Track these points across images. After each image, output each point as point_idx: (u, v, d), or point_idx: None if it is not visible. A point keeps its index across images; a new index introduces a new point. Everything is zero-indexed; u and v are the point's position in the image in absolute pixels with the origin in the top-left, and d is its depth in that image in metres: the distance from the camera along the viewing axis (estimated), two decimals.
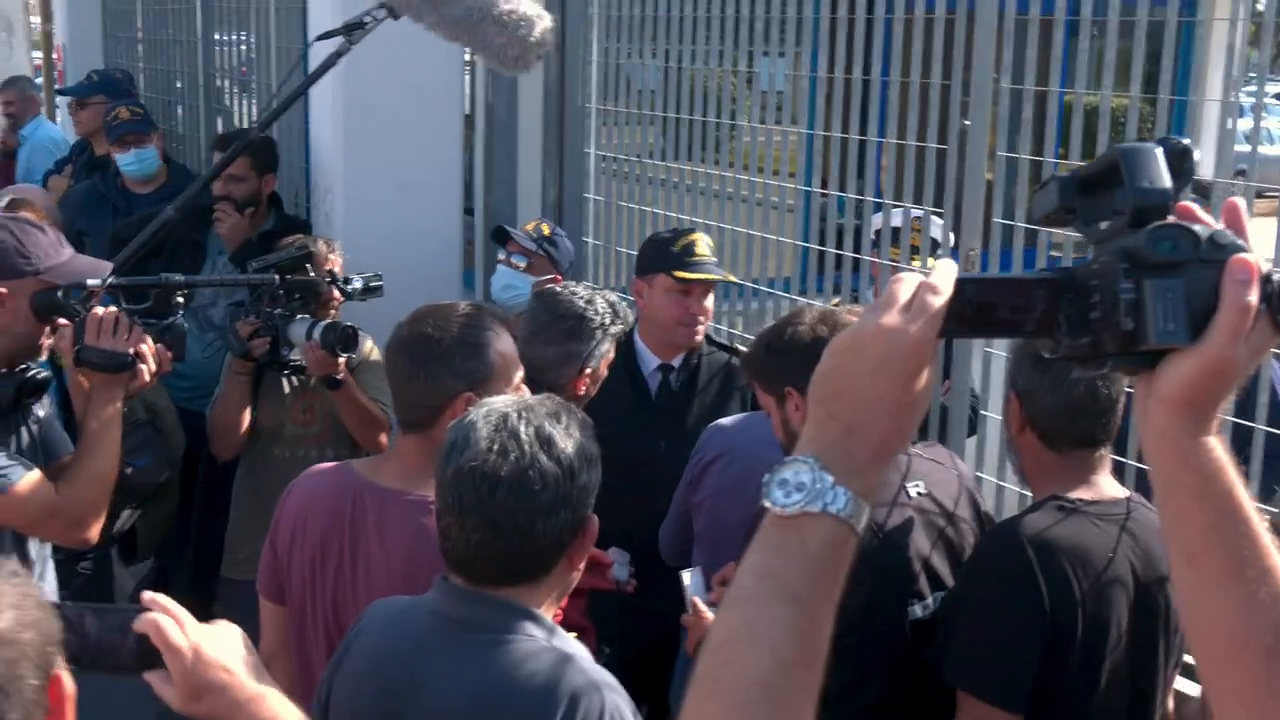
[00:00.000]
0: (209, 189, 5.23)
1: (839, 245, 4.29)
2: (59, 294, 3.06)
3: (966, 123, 3.69)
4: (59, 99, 9.15)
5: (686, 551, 3.63)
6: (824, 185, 4.41)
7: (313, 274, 4.17)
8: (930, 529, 2.82)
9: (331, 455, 4.33)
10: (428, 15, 3.42)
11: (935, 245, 4.19)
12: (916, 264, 4.24)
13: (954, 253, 3.94)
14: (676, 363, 4.02)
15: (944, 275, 1.21)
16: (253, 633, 4.18)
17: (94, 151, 6.82)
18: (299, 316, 4.09)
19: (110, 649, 1.69)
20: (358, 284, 4.20)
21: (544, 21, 3.43)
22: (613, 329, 3.57)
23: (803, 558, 1.17)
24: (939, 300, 1.19)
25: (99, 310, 3.07)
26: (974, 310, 1.21)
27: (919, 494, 2.85)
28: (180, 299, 3.29)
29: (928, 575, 2.77)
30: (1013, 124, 3.57)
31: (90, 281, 3.10)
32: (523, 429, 2.04)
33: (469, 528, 2.02)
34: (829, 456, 1.20)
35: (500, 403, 2.11)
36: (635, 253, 4.91)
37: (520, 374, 2.72)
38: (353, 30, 3.49)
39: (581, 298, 3.59)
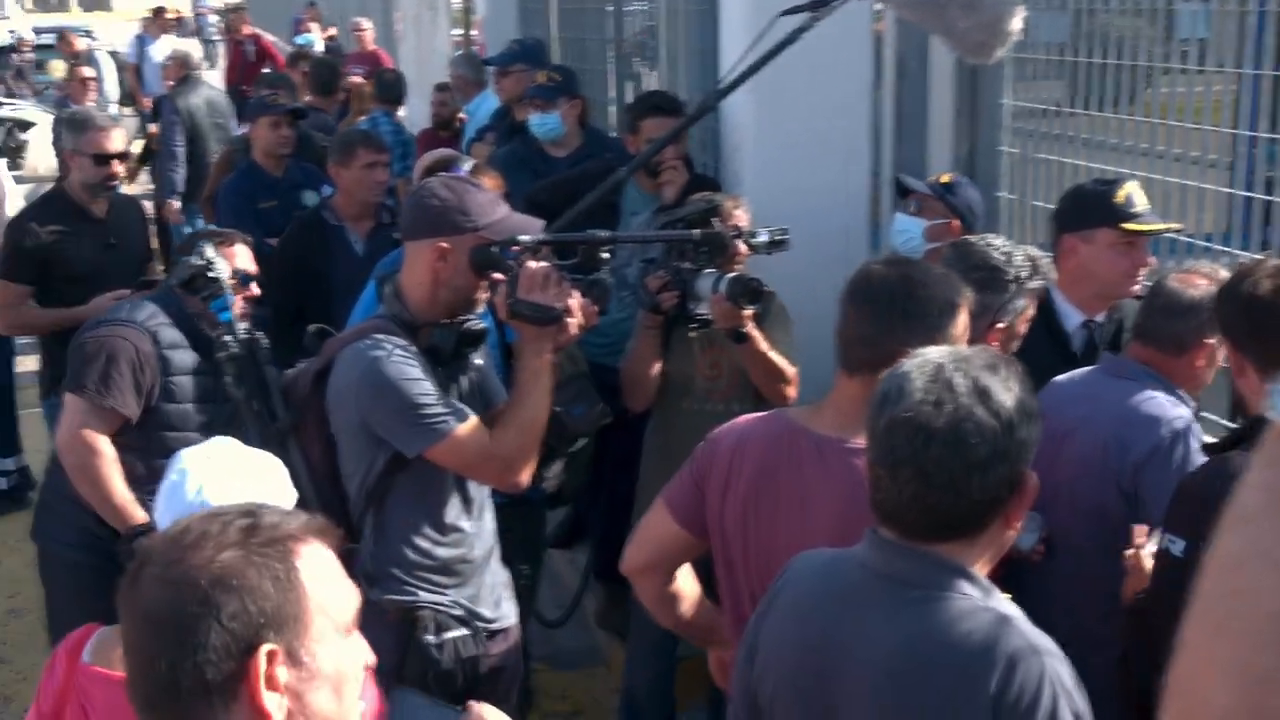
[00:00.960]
0: (616, 156, 5.37)
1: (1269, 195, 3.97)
2: (494, 249, 3.19)
3: None
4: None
5: None
6: (1268, 130, 4.05)
7: (719, 228, 4.18)
8: None
9: (738, 410, 4.28)
10: None
11: None
12: None
13: None
14: (1100, 318, 3.80)
15: None
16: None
17: (514, 117, 7.09)
18: (705, 270, 4.11)
19: None
20: (763, 237, 4.18)
21: (1014, 7, 3.24)
22: (1031, 284, 3.42)
23: None
24: None
25: (532, 264, 3.16)
26: None
27: None
28: (605, 255, 3.34)
29: None
30: None
31: (523, 238, 3.21)
32: (959, 379, 1.94)
33: (901, 480, 1.94)
34: None
35: (935, 353, 2.02)
36: (1051, 207, 4.72)
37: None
38: (819, 6, 3.43)
39: (999, 249, 3.46)
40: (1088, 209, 3.72)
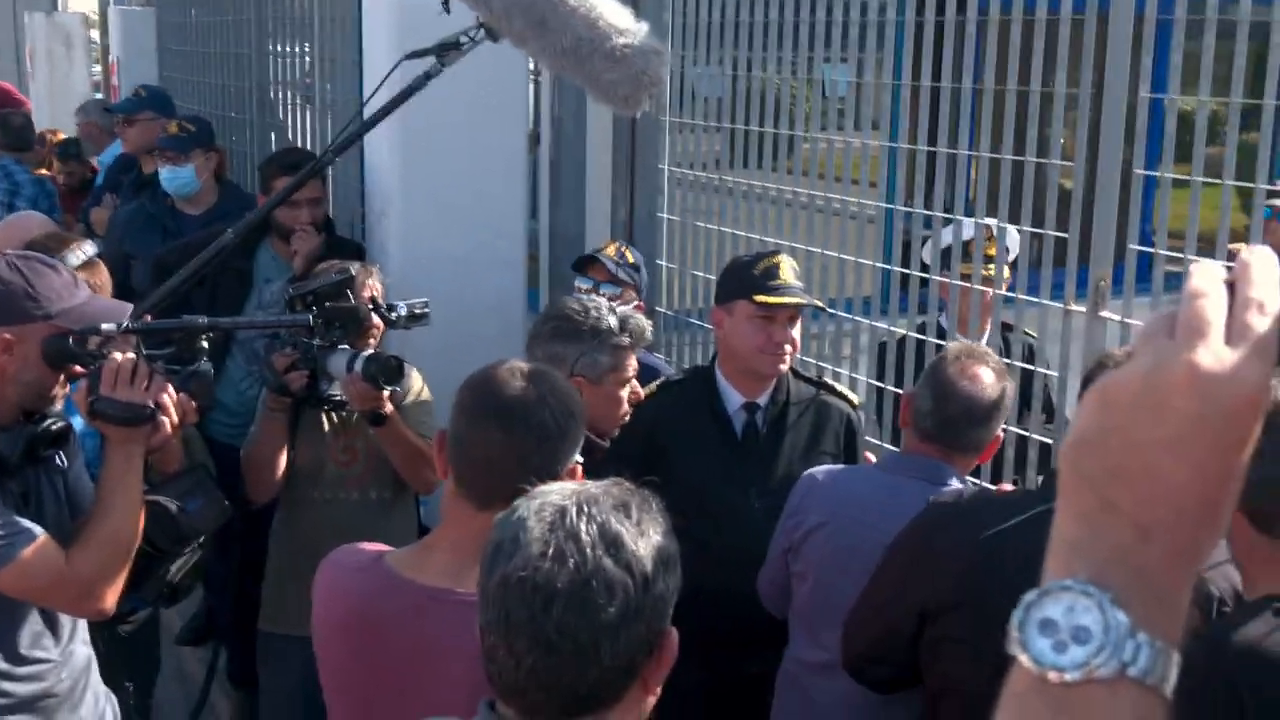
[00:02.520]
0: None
1: (919, 265, 4.00)
2: (71, 340, 2.78)
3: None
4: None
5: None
6: (908, 200, 4.03)
7: (354, 301, 3.82)
8: None
9: (375, 497, 4.05)
10: (531, 42, 3.05)
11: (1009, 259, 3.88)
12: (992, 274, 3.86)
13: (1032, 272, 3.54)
14: (762, 400, 3.62)
15: (1264, 276, 0.78)
16: (293, 693, 3.87)
17: (142, 169, 6.52)
18: (339, 347, 3.74)
19: None
20: (402, 311, 3.84)
21: (660, 57, 3.05)
22: (613, 339, 3.19)
23: None
24: (1269, 319, 0.77)
25: (116, 357, 2.77)
26: None
27: None
28: (205, 343, 2.96)
29: None
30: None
31: (105, 327, 2.80)
32: (584, 527, 1.61)
33: (518, 651, 1.60)
34: (1116, 579, 0.79)
35: (557, 493, 1.68)
36: (712, 276, 4.58)
37: None
38: (446, 50, 3.12)
39: (579, 301, 3.29)
40: (728, 281, 3.58)
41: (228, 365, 4.96)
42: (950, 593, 2.59)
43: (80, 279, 2.95)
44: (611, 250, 4.26)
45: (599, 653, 1.58)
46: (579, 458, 2.20)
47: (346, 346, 3.74)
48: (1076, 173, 3.35)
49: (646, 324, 3.32)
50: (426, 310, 3.87)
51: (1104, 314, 3.25)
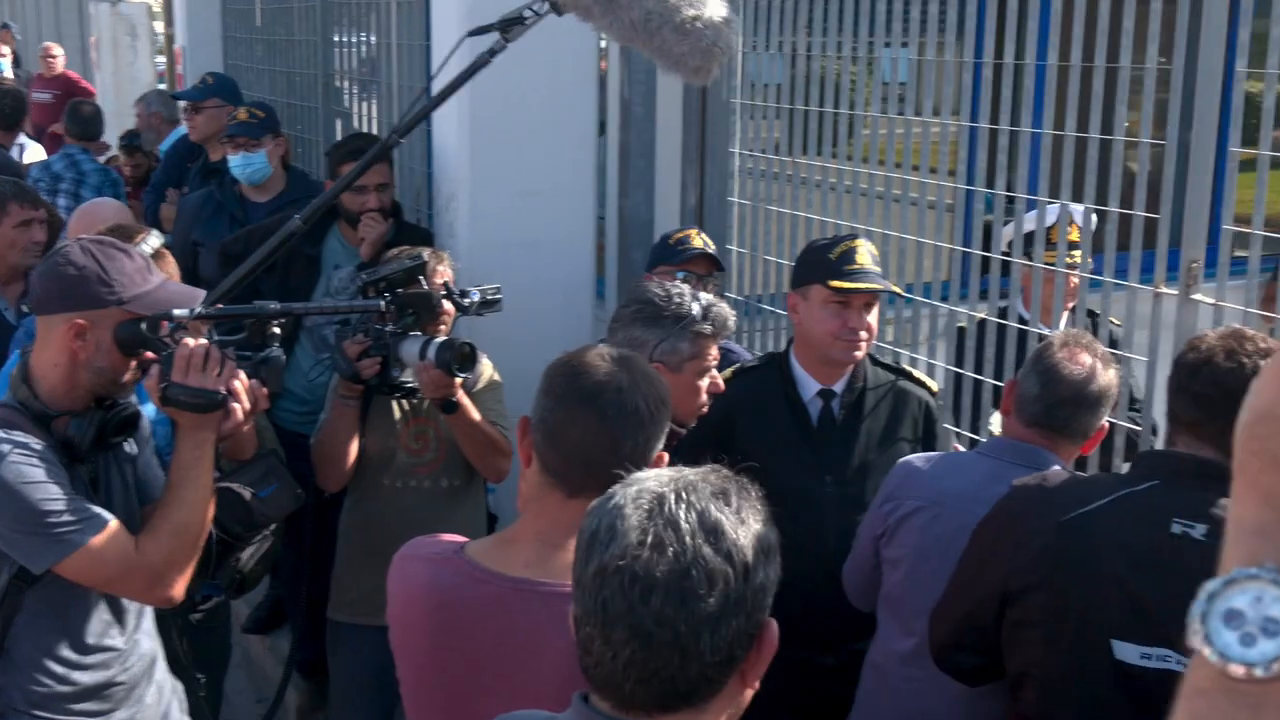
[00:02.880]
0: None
1: (988, 247, 3.90)
2: (144, 325, 2.77)
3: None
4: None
5: (875, 598, 3.23)
6: (989, 183, 3.95)
7: (426, 287, 3.78)
8: (1175, 574, 2.35)
9: (446, 485, 4.02)
10: (600, 16, 3.00)
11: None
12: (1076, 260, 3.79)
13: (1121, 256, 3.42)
14: (838, 387, 3.54)
15: None
16: (364, 681, 3.84)
17: (209, 158, 6.52)
18: (411, 334, 3.71)
19: None
20: (475, 297, 3.80)
21: (730, 28, 2.99)
22: (696, 326, 3.14)
23: None
24: None
25: (188, 343, 2.74)
26: None
27: (1185, 533, 2.38)
28: (277, 329, 2.93)
29: (1153, 622, 2.38)
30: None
31: (176, 312, 2.78)
32: (683, 515, 1.55)
33: (615, 642, 1.54)
34: None
35: (654, 479, 1.62)
36: (784, 261, 4.51)
37: None
38: (510, 26, 3.06)
39: (661, 286, 3.22)
40: (804, 265, 3.51)
41: (296, 353, 4.94)
42: (1029, 575, 2.53)
43: (149, 264, 2.92)
44: (698, 241, 4.20)
45: (698, 644, 1.52)
46: (663, 449, 2.14)
47: (418, 333, 3.72)
48: (1168, 153, 3.23)
49: (730, 313, 3.26)
50: (499, 296, 3.83)
51: (1196, 297, 3.14)
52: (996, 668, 2.68)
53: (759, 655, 1.59)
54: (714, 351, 3.20)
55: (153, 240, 3.92)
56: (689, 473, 1.63)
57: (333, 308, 3.64)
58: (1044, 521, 2.53)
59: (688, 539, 1.53)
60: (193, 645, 3.73)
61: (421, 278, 3.78)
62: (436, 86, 3.18)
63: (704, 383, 3.17)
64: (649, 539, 1.53)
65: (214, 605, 3.82)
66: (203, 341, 2.75)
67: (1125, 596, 2.41)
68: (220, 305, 2.94)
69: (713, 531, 1.54)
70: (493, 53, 3.11)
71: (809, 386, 3.54)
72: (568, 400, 2.11)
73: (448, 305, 3.84)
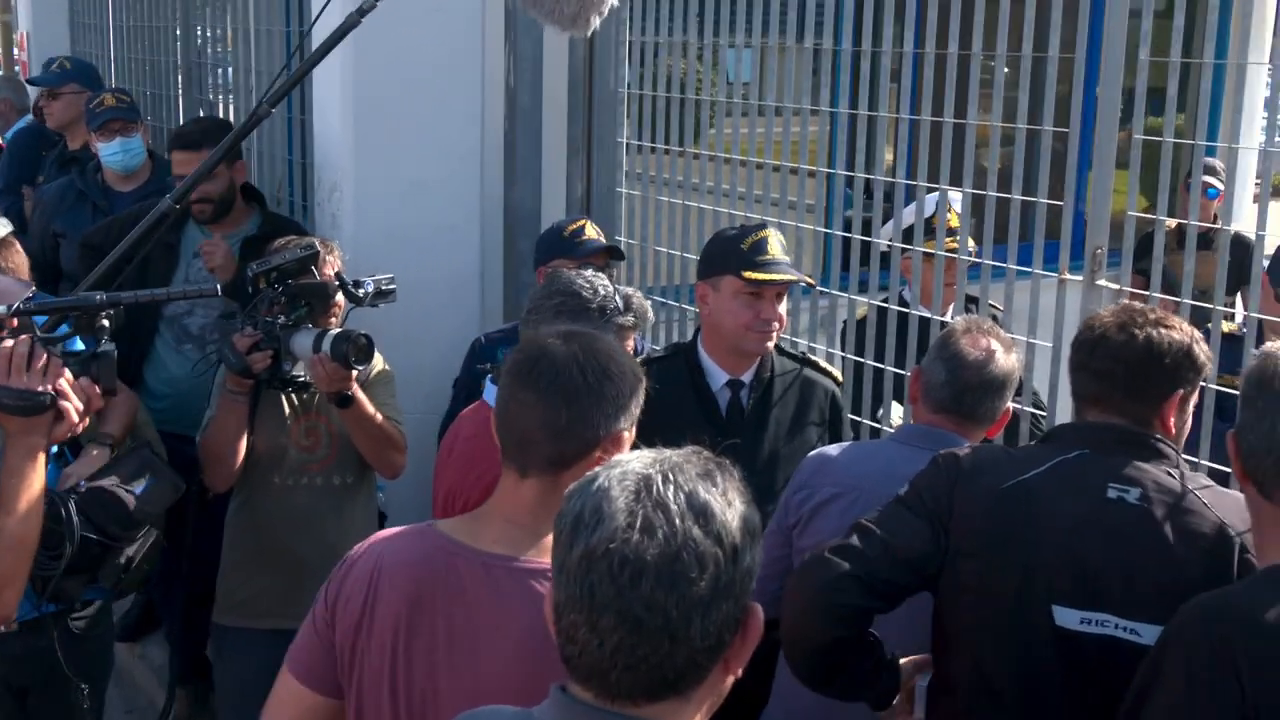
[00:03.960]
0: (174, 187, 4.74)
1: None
2: None
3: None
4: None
5: (777, 598, 3.14)
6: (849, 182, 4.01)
7: (318, 277, 3.66)
8: (1116, 538, 2.41)
9: (338, 483, 3.91)
10: None
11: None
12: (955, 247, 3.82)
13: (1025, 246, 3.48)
14: (747, 377, 3.52)
15: None
16: (252, 687, 3.70)
17: (68, 145, 6.24)
18: (304, 326, 3.58)
19: None
20: (369, 288, 3.69)
21: None
22: (619, 319, 3.12)
23: None
24: None
25: (7, 343, 2.59)
26: None
27: (1120, 498, 2.43)
28: (105, 321, 2.76)
29: (1094, 587, 2.42)
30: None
31: None
32: (671, 496, 1.50)
33: (603, 629, 1.48)
34: None
35: (638, 460, 1.57)
36: (675, 252, 4.48)
37: None
38: None
39: (582, 278, 3.17)
40: (713, 256, 3.47)
41: (156, 345, 4.73)
42: (967, 539, 2.54)
43: None
44: (592, 231, 4.13)
45: (688, 630, 1.48)
46: (624, 427, 2.08)
47: (310, 325, 3.60)
48: (1071, 141, 3.28)
49: (648, 304, 3.23)
50: (393, 286, 3.73)
51: (1101, 282, 3.20)
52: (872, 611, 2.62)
53: (744, 641, 1.55)
54: (632, 343, 3.16)
55: None
56: (672, 454, 1.58)
57: (164, 293, 3.49)
58: (981, 489, 2.54)
59: (677, 521, 1.48)
60: (74, 654, 3.55)
61: (314, 268, 3.66)
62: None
63: None
64: (638, 521, 1.48)
65: (95, 610, 3.63)
66: (24, 340, 2.60)
67: (1067, 562, 2.44)
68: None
69: (702, 513, 1.50)
70: (362, 12, 3.02)
71: (717, 377, 3.51)
72: (509, 377, 2.08)
73: (340, 297, 3.73)
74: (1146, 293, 3.11)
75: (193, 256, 4.66)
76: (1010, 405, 3.03)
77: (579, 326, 2.99)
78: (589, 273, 3.22)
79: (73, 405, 2.62)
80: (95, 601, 3.60)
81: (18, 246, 3.73)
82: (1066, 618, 2.44)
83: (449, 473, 3.19)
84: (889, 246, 3.92)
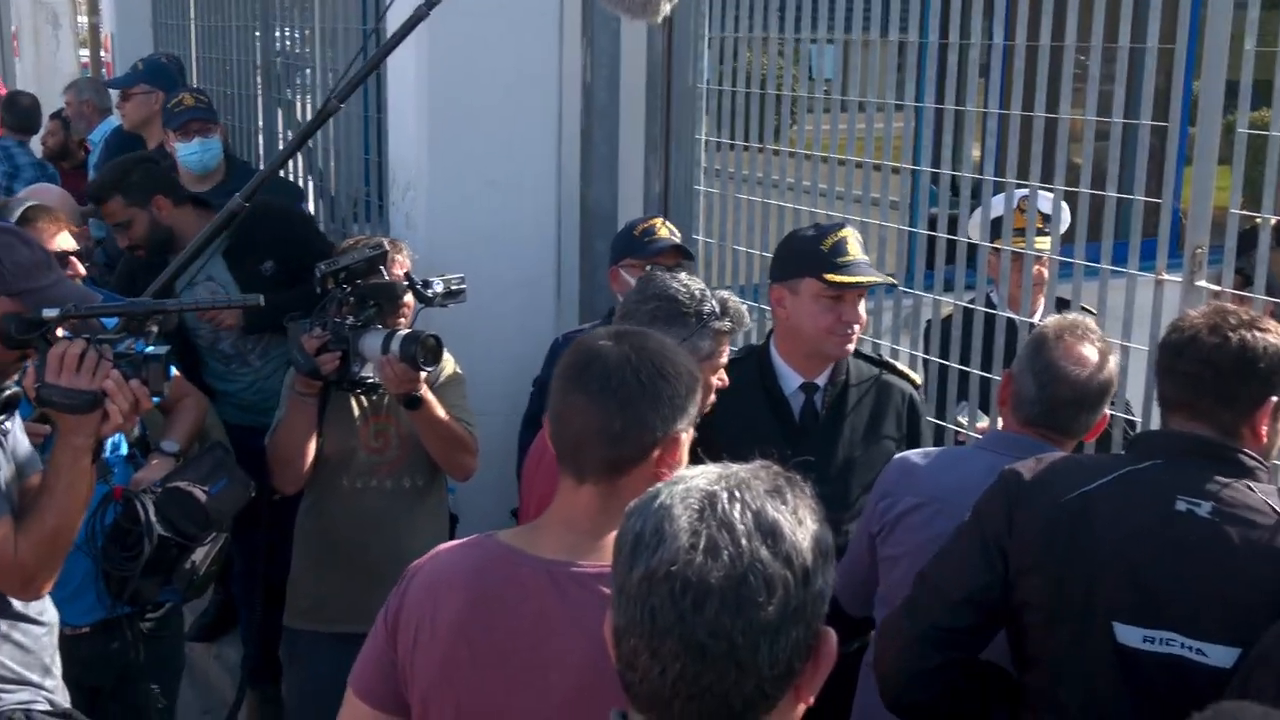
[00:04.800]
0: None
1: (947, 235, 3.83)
2: (32, 320, 2.69)
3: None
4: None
5: (871, 600, 3.07)
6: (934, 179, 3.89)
7: (386, 277, 3.60)
8: (1179, 553, 2.29)
9: (409, 485, 3.85)
10: None
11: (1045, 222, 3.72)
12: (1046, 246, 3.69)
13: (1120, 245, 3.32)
14: (821, 381, 3.40)
15: None
16: (322, 692, 3.66)
17: (147, 146, 6.25)
18: (373, 327, 3.53)
19: None
20: (438, 287, 3.65)
21: None
22: (716, 323, 3.02)
23: None
24: None
25: (62, 343, 2.66)
26: None
27: (1190, 511, 2.31)
28: (154, 327, 2.82)
29: (1156, 604, 2.30)
30: None
31: (46, 311, 2.68)
32: (738, 515, 1.40)
33: (664, 656, 1.39)
34: None
35: (702, 476, 1.47)
36: (754, 251, 4.37)
37: None
38: None
39: (681, 282, 3.07)
40: (793, 257, 3.35)
41: (208, 380, 4.67)
42: (1026, 556, 2.43)
43: (54, 261, 2.86)
44: (664, 231, 4.04)
45: (756, 658, 1.38)
46: (681, 429, 1.98)
47: (379, 326, 3.55)
48: (1170, 137, 3.13)
49: (744, 307, 3.13)
50: (463, 286, 3.68)
51: (1200, 283, 3.04)
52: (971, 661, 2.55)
53: (816, 667, 1.44)
54: (727, 348, 3.07)
55: (62, 240, 3.75)
56: (739, 469, 1.48)
57: (209, 304, 3.49)
58: (1042, 503, 2.43)
59: (744, 541, 1.39)
60: (146, 655, 3.54)
61: (382, 267, 3.61)
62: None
63: (715, 381, 3.03)
64: (701, 542, 1.38)
65: (165, 611, 3.62)
66: (79, 341, 2.66)
67: (1127, 576, 2.32)
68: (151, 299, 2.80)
69: (770, 533, 1.40)
70: (430, 4, 2.96)
71: (791, 380, 3.40)
72: (561, 381, 2.01)
73: (409, 297, 3.68)
74: (1248, 294, 2.95)
75: (205, 279, 4.59)
76: (1107, 413, 2.88)
77: (672, 331, 2.92)
78: (684, 276, 3.12)
79: (119, 407, 2.67)
80: (166, 603, 3.59)
81: (76, 264, 3.74)
82: (1128, 635, 2.32)
83: (539, 480, 3.11)
84: (974, 243, 3.79)
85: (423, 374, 3.52)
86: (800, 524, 1.43)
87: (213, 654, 5.36)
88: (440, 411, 3.67)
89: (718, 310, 3.03)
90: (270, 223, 4.43)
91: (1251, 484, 2.34)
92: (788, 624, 1.39)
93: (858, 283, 3.25)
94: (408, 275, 3.69)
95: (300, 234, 4.67)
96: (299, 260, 4.20)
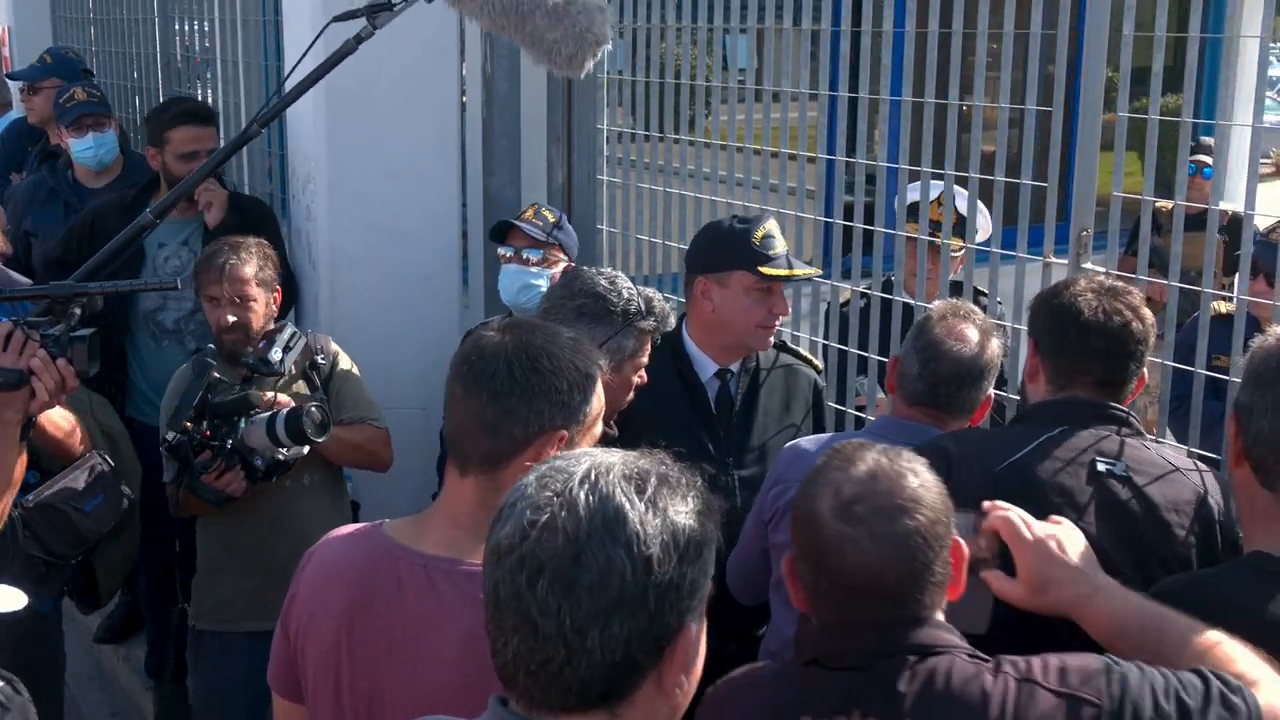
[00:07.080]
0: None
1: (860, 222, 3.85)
2: None
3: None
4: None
5: (764, 588, 3.08)
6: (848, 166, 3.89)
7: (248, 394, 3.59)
8: (1116, 512, 2.37)
9: (307, 482, 3.83)
10: (468, 1, 2.86)
11: (961, 221, 3.75)
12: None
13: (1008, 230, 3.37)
14: (735, 367, 3.43)
15: None
16: (230, 690, 3.63)
17: (49, 141, 6.14)
18: (251, 419, 3.55)
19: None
20: (276, 354, 3.65)
21: (603, 14, 2.88)
22: (642, 322, 3.03)
23: None
24: None
25: None
26: None
27: (1110, 471, 2.40)
28: (77, 310, 2.79)
29: (1110, 568, 2.26)
30: None
31: None
32: (583, 497, 1.41)
33: (506, 629, 1.41)
34: None
35: (571, 458, 1.48)
36: (656, 240, 4.38)
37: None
38: (377, 11, 2.90)
39: (607, 278, 3.08)
40: (721, 250, 3.35)
41: (138, 345, 4.69)
42: None
43: None
44: (530, 214, 4.05)
45: (584, 640, 1.38)
46: (561, 424, 1.98)
47: (255, 415, 3.54)
48: (1055, 122, 3.18)
49: (669, 306, 3.15)
50: (302, 341, 3.74)
51: (1087, 265, 3.11)
52: None
53: (673, 662, 1.43)
54: (649, 347, 3.08)
55: None
56: (611, 454, 1.49)
57: (128, 285, 3.51)
58: (973, 474, 2.45)
59: (584, 523, 1.39)
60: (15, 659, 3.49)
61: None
62: (297, 73, 2.97)
63: (635, 379, 3.06)
64: (542, 518, 1.40)
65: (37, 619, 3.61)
66: (5, 322, 2.67)
67: None
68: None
69: (613, 519, 1.40)
70: (359, 40, 2.96)
71: (706, 367, 3.43)
72: (450, 372, 2.03)
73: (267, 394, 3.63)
74: (1129, 274, 3.02)
75: (158, 247, 4.61)
76: (991, 393, 2.94)
77: (597, 330, 2.93)
78: (610, 272, 3.14)
79: (44, 385, 2.67)
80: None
81: None
82: None
83: None
84: (878, 230, 3.83)
85: (321, 440, 3.53)
86: (656, 514, 1.42)
87: (121, 655, 5.30)
88: (343, 435, 3.73)
89: (643, 309, 3.05)
90: (256, 208, 4.69)
91: (1144, 441, 2.47)
92: (623, 611, 1.38)
93: (792, 276, 3.30)
94: (246, 361, 3.67)
95: (272, 229, 4.69)
96: None
